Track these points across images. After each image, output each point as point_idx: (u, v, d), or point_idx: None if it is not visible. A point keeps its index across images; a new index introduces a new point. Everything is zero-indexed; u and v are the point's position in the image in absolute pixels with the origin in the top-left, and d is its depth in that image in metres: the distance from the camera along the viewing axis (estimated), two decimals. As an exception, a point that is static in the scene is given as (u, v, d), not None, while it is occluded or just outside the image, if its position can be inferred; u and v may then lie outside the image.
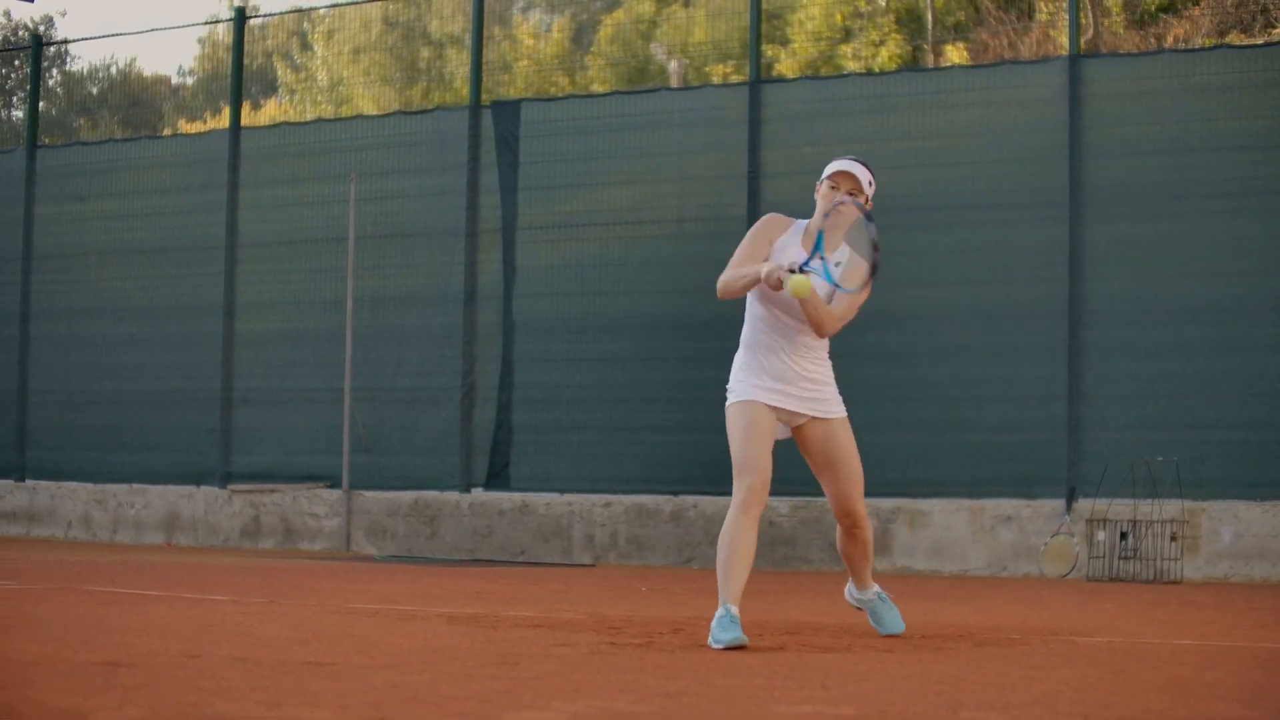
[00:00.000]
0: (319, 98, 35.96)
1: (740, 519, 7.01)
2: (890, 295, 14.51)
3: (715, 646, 6.80)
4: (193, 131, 20.38)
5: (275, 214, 17.35)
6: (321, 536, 16.39)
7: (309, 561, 14.43)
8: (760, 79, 15.33)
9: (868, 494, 13.91)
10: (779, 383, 7.19)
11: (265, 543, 16.63)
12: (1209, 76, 13.76)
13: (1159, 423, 13.47)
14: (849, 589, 7.79)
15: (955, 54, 28.35)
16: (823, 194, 7.23)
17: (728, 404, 7.28)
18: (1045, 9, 29.59)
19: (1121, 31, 28.32)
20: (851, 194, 7.17)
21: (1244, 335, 13.40)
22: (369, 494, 16.22)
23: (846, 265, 7.24)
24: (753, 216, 14.67)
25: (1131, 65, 14.59)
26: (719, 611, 6.90)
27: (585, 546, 15.24)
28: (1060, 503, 13.50)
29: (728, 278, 7.19)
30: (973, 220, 14.29)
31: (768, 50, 26.47)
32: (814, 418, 7.26)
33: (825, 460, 7.30)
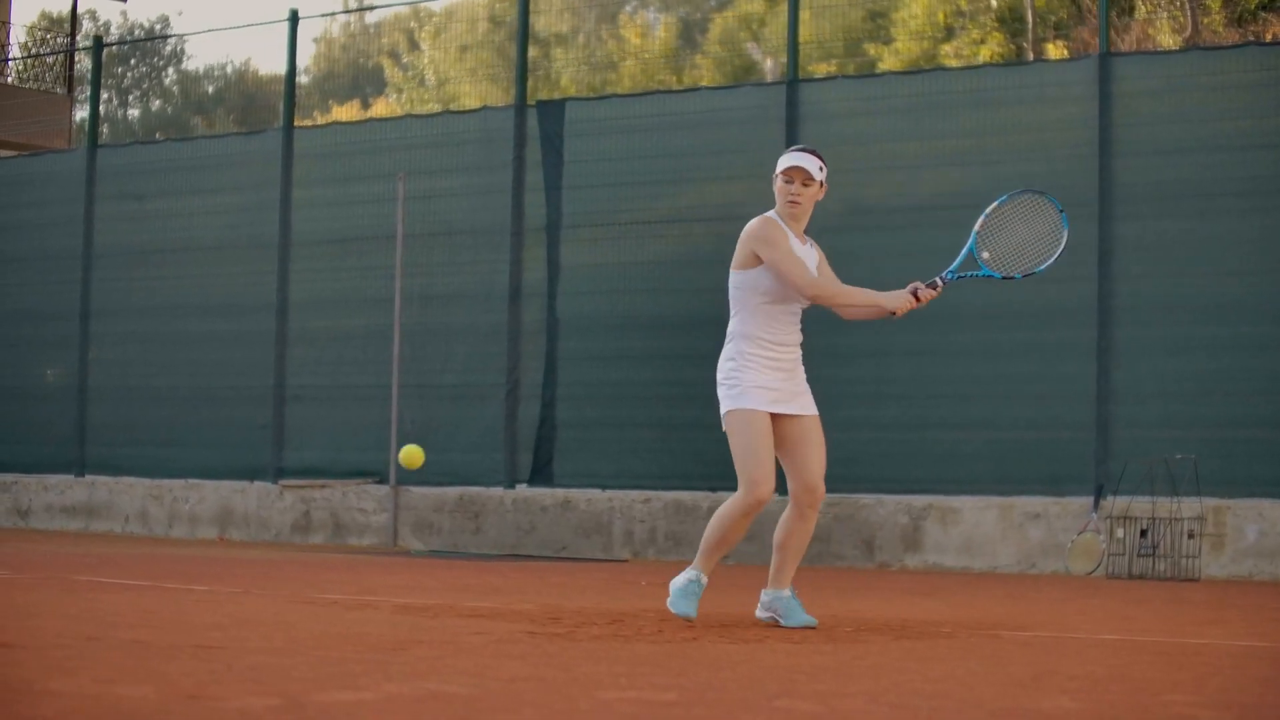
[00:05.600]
0: (426, 95, 36.36)
1: (742, 521, 7.70)
2: (921, 294, 14.62)
3: (671, 609, 7.75)
4: (248, 131, 20.67)
5: (326, 212, 17.61)
6: (370, 532, 16.66)
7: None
8: (798, 78, 15.46)
9: (899, 491, 14.29)
10: (780, 380, 7.73)
11: (315, 537, 16.93)
12: (1238, 74, 13.75)
13: (1186, 421, 13.50)
14: (765, 602, 7.94)
15: (1055, 52, 28.38)
16: (779, 188, 7.89)
17: (729, 407, 7.65)
18: (1144, 7, 29.52)
19: (1221, 30, 28.22)
20: (805, 184, 7.81)
21: (1273, 333, 13.39)
22: (416, 490, 16.47)
23: (821, 259, 7.90)
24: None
25: (1161, 63, 14.56)
26: (690, 575, 7.77)
27: (625, 542, 15.43)
28: (1088, 500, 13.57)
29: (832, 292, 7.73)
30: (1003, 218, 14.33)
31: (870, 49, 26.50)
32: (798, 415, 7.78)
33: (801, 445, 7.78)
